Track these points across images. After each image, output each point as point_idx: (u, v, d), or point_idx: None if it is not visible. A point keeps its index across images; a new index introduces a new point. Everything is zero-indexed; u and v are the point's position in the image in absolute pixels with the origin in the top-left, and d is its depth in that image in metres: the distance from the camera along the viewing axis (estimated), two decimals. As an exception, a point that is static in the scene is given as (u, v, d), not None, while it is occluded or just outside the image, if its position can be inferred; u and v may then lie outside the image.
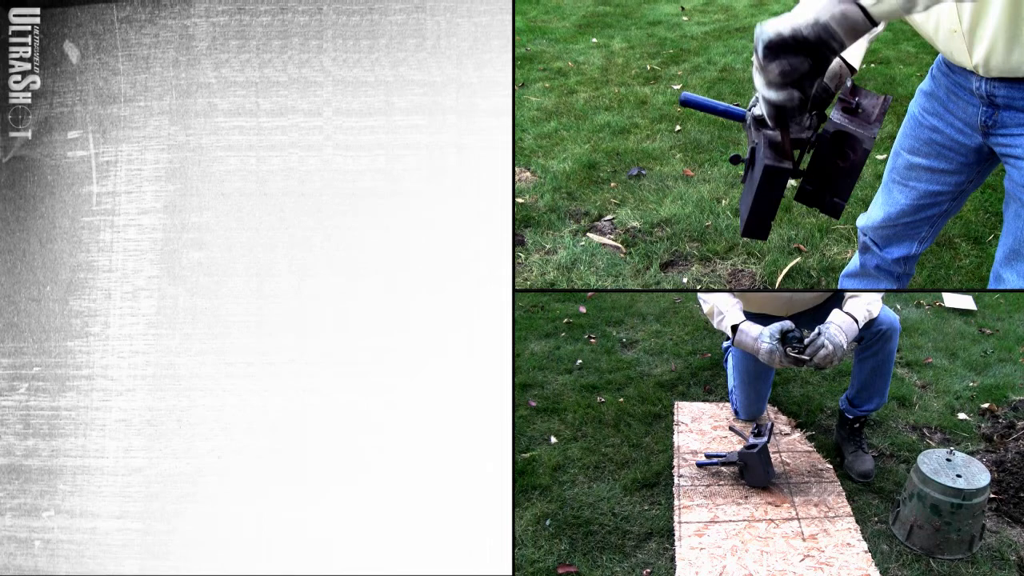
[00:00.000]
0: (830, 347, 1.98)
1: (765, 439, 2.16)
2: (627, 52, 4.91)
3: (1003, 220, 1.63)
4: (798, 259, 2.77)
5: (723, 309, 2.14)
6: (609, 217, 3.06)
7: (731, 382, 2.60)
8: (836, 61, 1.47)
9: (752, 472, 2.17)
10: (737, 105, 1.45)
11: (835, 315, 2.05)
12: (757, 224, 1.40)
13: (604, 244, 2.89)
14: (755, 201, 1.37)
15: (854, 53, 1.51)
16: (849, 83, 1.45)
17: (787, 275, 2.71)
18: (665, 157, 3.51)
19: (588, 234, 2.96)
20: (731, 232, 2.91)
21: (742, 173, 1.49)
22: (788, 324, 2.04)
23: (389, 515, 1.58)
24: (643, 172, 3.38)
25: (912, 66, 4.30)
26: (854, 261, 2.04)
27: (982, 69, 1.48)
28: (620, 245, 2.88)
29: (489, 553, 1.57)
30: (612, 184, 3.29)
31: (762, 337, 2.03)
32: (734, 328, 2.09)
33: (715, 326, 2.18)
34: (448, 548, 1.57)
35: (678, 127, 3.80)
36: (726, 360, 2.75)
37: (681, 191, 3.21)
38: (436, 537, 1.57)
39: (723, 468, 2.24)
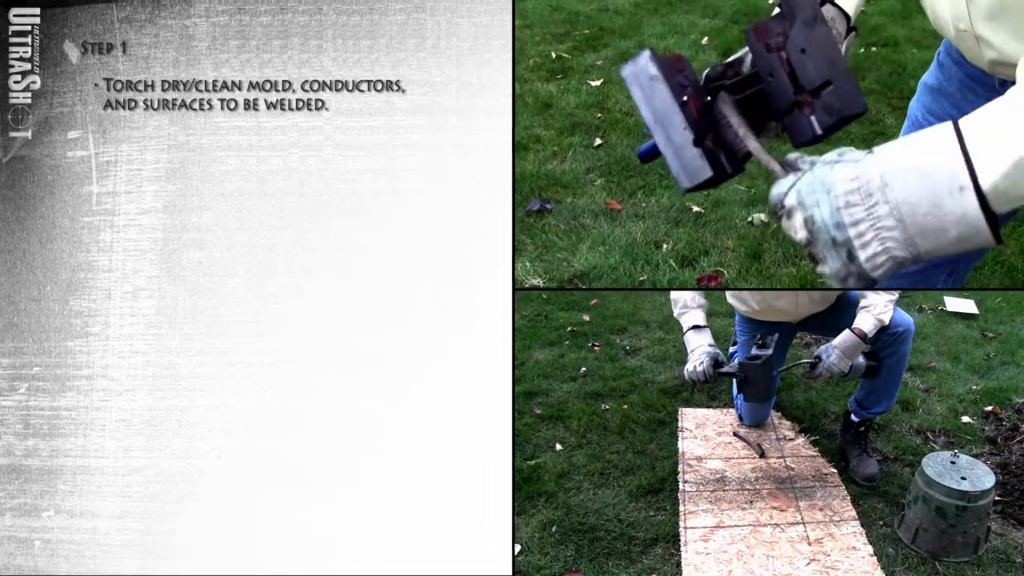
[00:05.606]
0: (826, 376, 2.09)
1: (770, 351, 2.08)
2: (522, 33, 3.58)
3: None
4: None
5: (688, 305, 2.16)
6: (499, 272, 2.42)
7: (736, 387, 2.58)
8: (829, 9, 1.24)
9: (752, 386, 2.04)
10: None
11: (842, 339, 2.07)
12: (683, 164, 0.96)
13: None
14: (647, 118, 0.97)
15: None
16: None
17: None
18: (580, 184, 2.60)
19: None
20: (678, 286, 2.32)
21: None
22: (719, 357, 2.10)
23: (389, 515, 1.58)
24: (547, 206, 2.53)
25: (930, 49, 2.97)
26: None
27: (997, 71, 1.29)
28: (512, 310, 2.31)
29: (489, 554, 1.57)
30: (504, 224, 2.66)
31: (694, 355, 2.10)
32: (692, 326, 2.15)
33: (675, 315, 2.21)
34: (448, 549, 1.57)
35: (598, 140, 2.78)
36: (732, 364, 2.74)
37: (604, 232, 2.42)
38: (436, 537, 1.57)
39: (727, 473, 2.22)
